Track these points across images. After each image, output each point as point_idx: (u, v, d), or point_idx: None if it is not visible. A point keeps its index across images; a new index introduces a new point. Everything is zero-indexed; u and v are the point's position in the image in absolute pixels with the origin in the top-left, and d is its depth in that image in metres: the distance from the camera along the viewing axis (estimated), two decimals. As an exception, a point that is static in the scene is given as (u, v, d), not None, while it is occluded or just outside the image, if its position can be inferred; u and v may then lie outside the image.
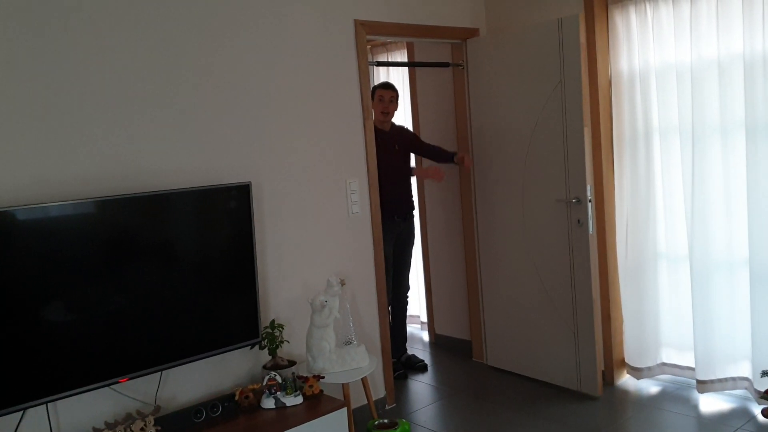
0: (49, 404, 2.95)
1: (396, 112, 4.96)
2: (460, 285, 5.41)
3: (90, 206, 3.02)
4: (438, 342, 5.81)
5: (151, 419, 3.11)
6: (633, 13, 4.29)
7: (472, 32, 4.91)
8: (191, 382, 3.49)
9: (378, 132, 4.60)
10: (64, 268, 2.93)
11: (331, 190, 4.12)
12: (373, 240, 4.34)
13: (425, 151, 5.14)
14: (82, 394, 3.02)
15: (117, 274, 3.10)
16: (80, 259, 2.99)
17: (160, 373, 3.30)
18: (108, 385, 3.08)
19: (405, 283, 5.22)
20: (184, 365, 3.35)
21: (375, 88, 4.84)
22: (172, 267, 3.30)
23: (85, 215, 3.02)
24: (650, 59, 4.26)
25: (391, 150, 4.80)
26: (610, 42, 4.43)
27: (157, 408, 3.29)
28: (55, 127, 3.03)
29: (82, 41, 3.11)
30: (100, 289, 3.05)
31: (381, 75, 6.14)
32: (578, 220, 4.29)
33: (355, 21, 4.20)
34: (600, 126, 4.42)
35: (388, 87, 4.91)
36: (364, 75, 4.26)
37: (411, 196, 5.09)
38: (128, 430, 3.04)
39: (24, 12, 2.95)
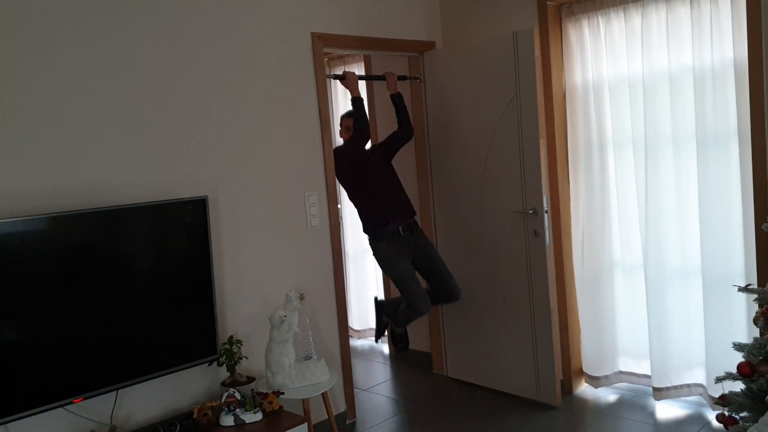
0: (-1, 427, 2.88)
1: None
2: (420, 297, 5.40)
3: (41, 222, 2.95)
4: (398, 355, 5.79)
5: (106, 440, 3.04)
6: (586, 27, 4.37)
7: (429, 45, 4.94)
8: (148, 400, 3.42)
9: (349, 152, 4.53)
10: (14, 286, 2.86)
11: (289, 203, 4.10)
12: (332, 253, 4.32)
13: (391, 143, 4.81)
14: (35, 416, 2.94)
15: (70, 291, 3.03)
16: (31, 277, 2.92)
17: (115, 392, 3.23)
18: (61, 406, 3.01)
19: (454, 290, 4.67)
20: (140, 383, 3.29)
21: (342, 117, 4.72)
22: (127, 284, 3.24)
23: (36, 232, 2.95)
24: (603, 71, 4.33)
25: (369, 162, 4.61)
26: (564, 55, 4.50)
27: (113, 428, 3.22)
28: (3, 141, 2.96)
29: (33, 53, 3.05)
30: (52, 307, 2.97)
31: (339, 87, 6.14)
32: (535, 231, 4.33)
33: (312, 34, 4.19)
34: (555, 138, 4.48)
35: (351, 116, 4.63)
36: (322, 88, 4.25)
37: (408, 200, 4.66)
38: (83, 451, 2.98)
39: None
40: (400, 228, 4.52)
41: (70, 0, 3.17)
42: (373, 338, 6.26)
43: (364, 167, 4.56)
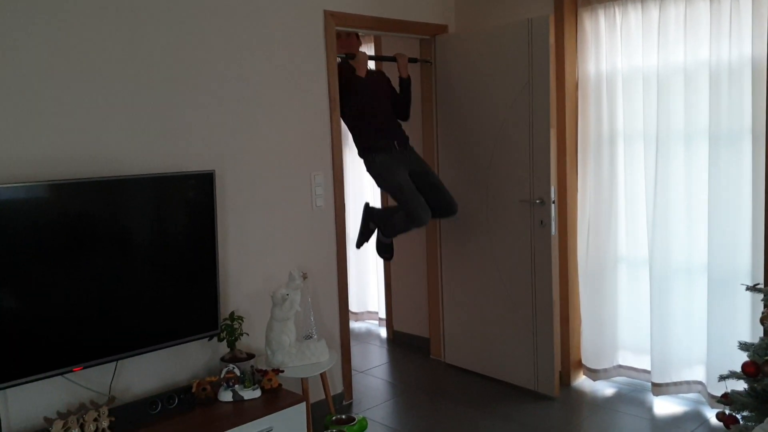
0: (-2, 392, 2.86)
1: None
2: (420, 282, 5.40)
3: (43, 190, 2.93)
4: (396, 339, 5.79)
5: (104, 410, 3.02)
6: (602, 17, 4.32)
7: (441, 29, 4.89)
8: (147, 372, 3.41)
9: (354, 75, 4.43)
10: (15, 253, 2.84)
11: (295, 182, 4.07)
12: (337, 234, 4.30)
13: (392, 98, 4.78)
14: (34, 383, 2.93)
15: (72, 260, 3.00)
16: (33, 245, 2.89)
17: (115, 362, 3.22)
18: (61, 374, 3.00)
19: (452, 203, 4.65)
20: (140, 355, 3.28)
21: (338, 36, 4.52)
22: (130, 255, 3.21)
23: (38, 199, 2.92)
24: (617, 63, 4.29)
25: (375, 87, 4.58)
26: (579, 44, 4.45)
27: (112, 398, 3.20)
28: (8, 106, 2.93)
29: (39, 19, 3.01)
30: (54, 275, 2.95)
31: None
32: (541, 221, 4.31)
33: (325, 11, 4.14)
34: (566, 128, 4.44)
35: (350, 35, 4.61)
36: (332, 67, 4.21)
37: (401, 126, 4.67)
38: (81, 420, 2.96)
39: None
40: (395, 143, 4.54)
41: (84, -36, 3.13)
42: (373, 321, 6.27)
43: (372, 90, 4.52)
